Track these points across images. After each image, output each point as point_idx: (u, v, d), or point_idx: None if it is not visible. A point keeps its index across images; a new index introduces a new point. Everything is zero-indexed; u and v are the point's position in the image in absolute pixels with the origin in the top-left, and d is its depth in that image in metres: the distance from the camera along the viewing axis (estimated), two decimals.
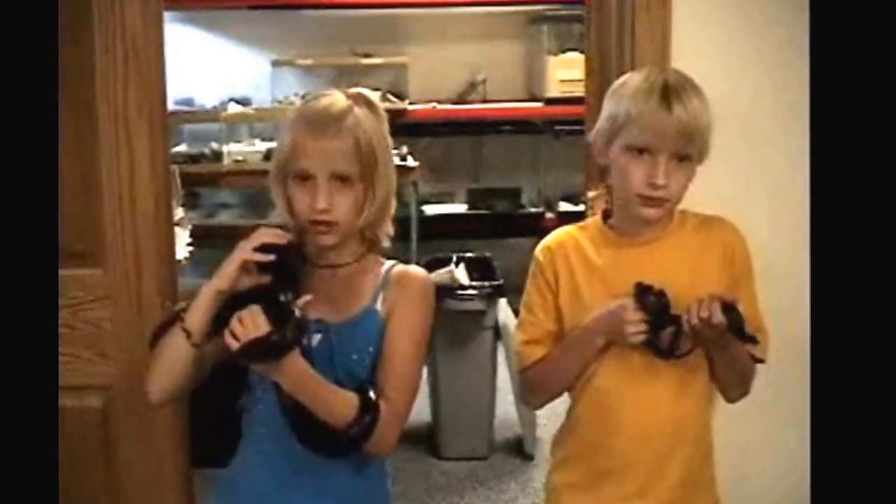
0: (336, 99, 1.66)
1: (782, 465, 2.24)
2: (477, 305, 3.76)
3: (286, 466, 1.67)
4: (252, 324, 1.51)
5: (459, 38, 5.83)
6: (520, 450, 3.87)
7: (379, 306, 1.68)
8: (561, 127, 5.37)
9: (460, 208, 5.76)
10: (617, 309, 1.70)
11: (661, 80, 1.70)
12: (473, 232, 5.52)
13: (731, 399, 1.84)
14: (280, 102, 5.44)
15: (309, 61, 5.62)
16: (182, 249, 3.04)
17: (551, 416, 2.16)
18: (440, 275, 3.83)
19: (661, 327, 1.68)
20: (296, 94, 5.44)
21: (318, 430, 1.60)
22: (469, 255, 4.11)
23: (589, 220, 1.89)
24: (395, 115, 5.18)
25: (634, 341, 1.69)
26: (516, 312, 1.89)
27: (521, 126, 5.70)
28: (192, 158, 5.07)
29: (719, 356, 1.74)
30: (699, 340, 1.70)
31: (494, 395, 3.88)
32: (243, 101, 5.53)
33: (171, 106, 2.28)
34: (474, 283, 3.83)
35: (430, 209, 5.63)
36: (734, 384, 1.80)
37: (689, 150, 1.70)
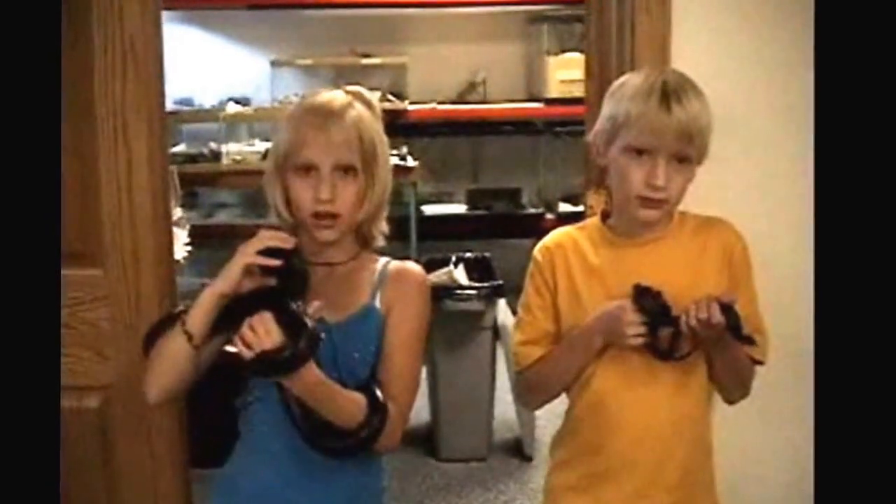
0: (336, 95, 1.68)
1: (782, 466, 2.23)
2: (476, 306, 3.76)
3: (291, 466, 1.67)
4: (264, 332, 1.50)
5: (459, 38, 5.83)
6: (519, 451, 3.86)
7: (377, 304, 1.68)
8: (560, 127, 5.38)
9: (460, 208, 5.76)
10: (615, 310, 1.70)
11: (661, 81, 1.70)
12: (473, 232, 5.52)
13: (730, 400, 1.83)
14: (280, 102, 5.44)
15: (309, 61, 5.62)
16: (180, 249, 3.04)
17: (550, 417, 2.16)
18: (439, 275, 3.83)
19: (660, 328, 1.68)
20: (295, 94, 5.43)
21: (325, 431, 1.60)
22: (468, 255, 4.11)
23: (588, 221, 1.89)
24: (394, 115, 5.21)
25: (632, 343, 1.69)
26: (515, 313, 1.89)
27: (520, 126, 5.70)
28: (191, 158, 5.08)
29: (718, 357, 1.74)
30: (698, 341, 1.70)
31: (493, 396, 3.88)
32: (242, 101, 5.53)
33: (170, 106, 2.28)
34: (473, 284, 3.83)
35: (430, 209, 5.63)
36: (733, 385, 1.80)
37: (688, 151, 1.69)
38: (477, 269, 3.99)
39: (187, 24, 5.53)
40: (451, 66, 5.79)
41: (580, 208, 2.25)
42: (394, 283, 1.70)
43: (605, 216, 1.83)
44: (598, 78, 2.19)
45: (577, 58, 4.96)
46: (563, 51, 5.51)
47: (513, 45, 5.88)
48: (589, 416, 1.79)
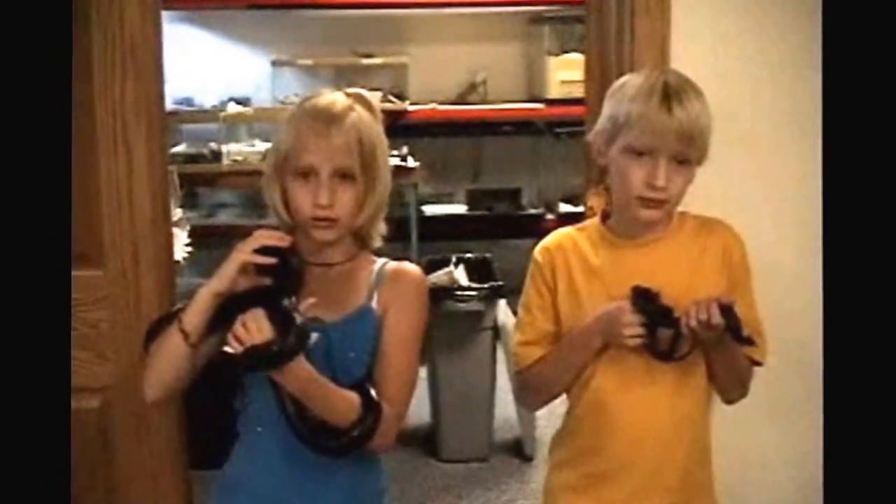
0: (337, 97, 1.67)
1: (785, 470, 2.23)
2: (476, 306, 3.75)
3: (287, 466, 1.67)
4: (256, 328, 1.51)
5: (460, 39, 5.83)
6: (519, 451, 3.86)
7: (374, 304, 1.69)
8: (561, 128, 5.37)
9: (460, 209, 5.76)
10: (614, 311, 1.70)
11: (662, 82, 1.69)
12: (473, 233, 5.52)
13: (729, 401, 1.83)
14: (280, 102, 5.44)
15: (309, 61, 5.62)
16: (180, 250, 3.04)
17: (550, 417, 2.16)
18: (439, 276, 3.83)
19: (659, 329, 1.68)
20: (296, 95, 5.42)
21: (319, 430, 1.60)
22: (468, 255, 4.11)
23: (588, 222, 1.89)
24: (395, 115, 5.21)
25: (630, 344, 1.69)
26: (516, 313, 1.89)
27: (521, 127, 5.70)
28: (191, 158, 5.07)
29: (717, 358, 1.74)
30: (697, 342, 1.70)
31: (494, 397, 3.88)
32: (243, 101, 5.53)
33: (170, 106, 2.27)
34: (474, 284, 3.83)
35: (430, 210, 5.63)
36: (732, 386, 1.80)
37: (689, 152, 1.69)
38: (477, 270, 3.99)
39: (187, 24, 5.53)
40: (451, 66, 5.78)
41: (580, 209, 2.25)
42: (390, 283, 1.70)
43: (605, 217, 1.83)
44: (599, 79, 2.19)
45: (577, 58, 4.95)
46: (564, 51, 5.50)
47: (513, 46, 5.88)
48: (589, 417, 1.78)
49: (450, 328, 3.74)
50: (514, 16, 5.78)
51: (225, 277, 1.59)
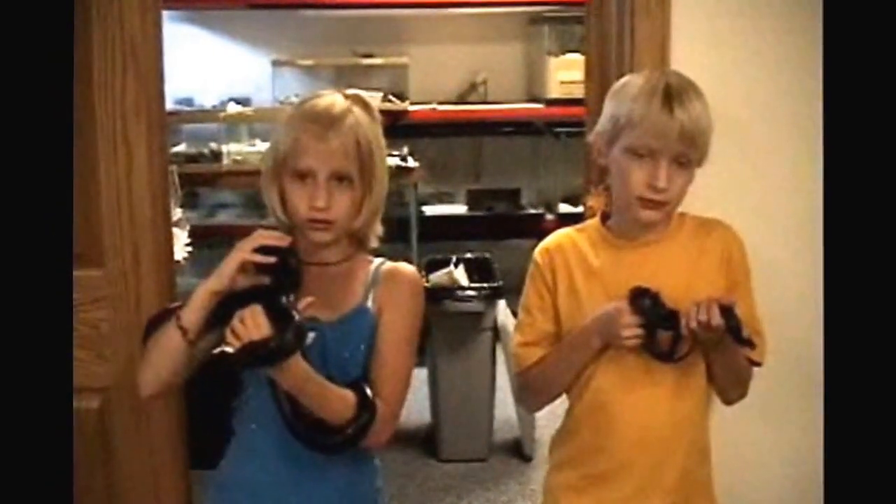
0: (336, 99, 1.67)
1: (784, 471, 2.23)
2: (476, 307, 3.75)
3: (282, 463, 1.68)
4: (253, 324, 1.52)
5: (460, 39, 5.83)
6: (519, 451, 3.86)
7: (370, 304, 1.69)
8: (561, 128, 5.37)
9: (460, 209, 5.76)
10: (612, 311, 1.70)
11: (664, 83, 1.70)
12: (473, 233, 5.51)
13: (728, 401, 1.84)
14: (280, 103, 5.43)
15: (309, 61, 5.61)
16: (181, 250, 3.04)
17: (550, 417, 2.16)
18: (439, 276, 3.83)
19: (659, 331, 1.68)
20: (296, 95, 5.40)
21: (314, 427, 1.61)
22: (468, 256, 4.11)
23: (588, 222, 1.89)
24: (395, 115, 5.20)
25: (629, 345, 1.69)
26: (516, 314, 1.89)
27: (521, 127, 5.69)
28: (192, 158, 5.06)
29: (717, 359, 1.74)
30: (697, 343, 1.70)
31: (493, 397, 3.88)
32: (243, 101, 5.52)
33: (170, 105, 2.27)
34: (474, 285, 3.83)
35: (430, 210, 5.62)
36: (731, 386, 1.80)
37: (690, 153, 1.70)
38: (477, 270, 3.99)
39: (187, 24, 5.52)
40: (451, 66, 5.78)
41: (580, 209, 2.25)
42: (386, 283, 1.70)
43: (605, 218, 1.84)
44: (599, 79, 2.19)
45: (577, 59, 4.95)
46: (564, 52, 5.50)
47: (513, 46, 5.88)
48: (588, 417, 1.79)
49: (450, 328, 3.74)
50: (514, 16, 5.78)
51: (224, 276, 1.60)
